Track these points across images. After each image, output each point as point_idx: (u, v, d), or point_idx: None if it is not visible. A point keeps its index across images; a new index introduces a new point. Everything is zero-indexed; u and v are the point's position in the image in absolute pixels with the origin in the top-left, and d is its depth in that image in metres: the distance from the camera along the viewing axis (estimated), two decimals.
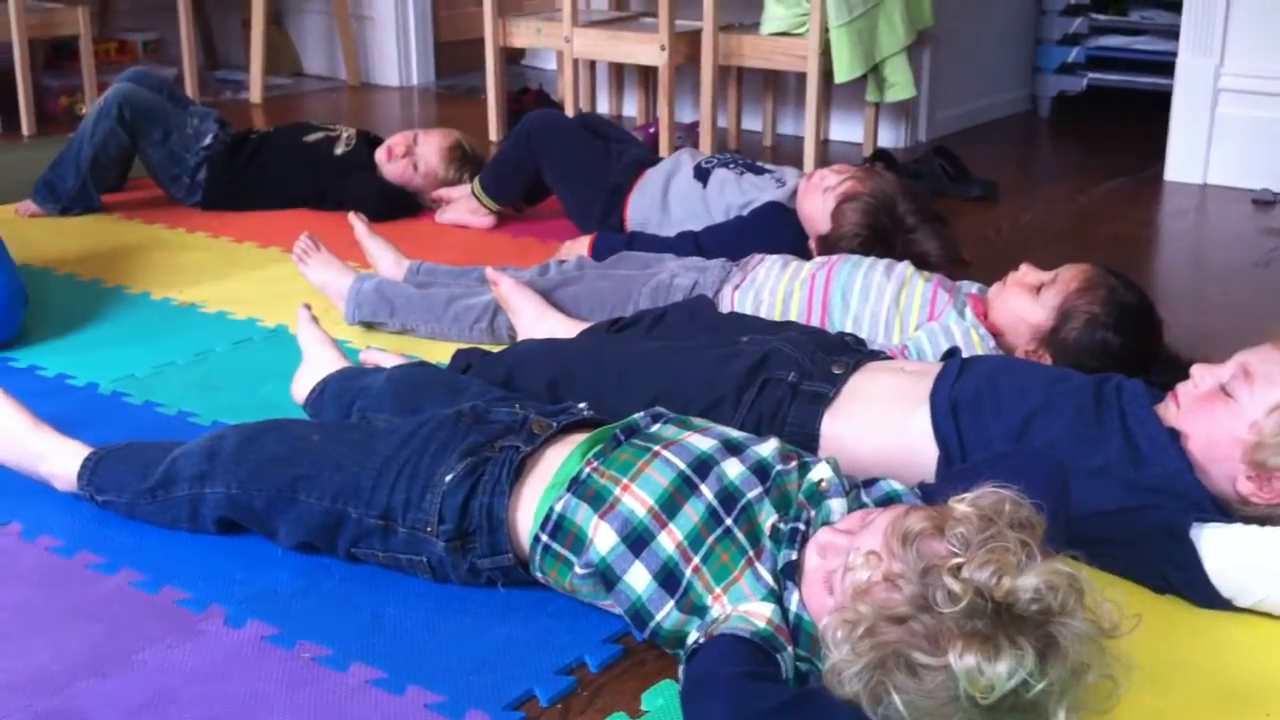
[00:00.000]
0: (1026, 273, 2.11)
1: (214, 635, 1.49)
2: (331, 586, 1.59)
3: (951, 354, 1.96)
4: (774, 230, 2.57)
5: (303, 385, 2.00)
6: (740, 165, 2.87)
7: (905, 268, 2.23)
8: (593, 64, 4.35)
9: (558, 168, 3.01)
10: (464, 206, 3.15)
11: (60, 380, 2.22)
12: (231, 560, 1.64)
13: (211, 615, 1.53)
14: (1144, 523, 1.56)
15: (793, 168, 2.92)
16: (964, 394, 1.72)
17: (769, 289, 2.26)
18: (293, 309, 2.15)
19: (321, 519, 1.59)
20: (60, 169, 3.19)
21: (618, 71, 4.49)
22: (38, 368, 2.27)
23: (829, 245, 2.46)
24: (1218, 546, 1.52)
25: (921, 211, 2.51)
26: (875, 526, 1.30)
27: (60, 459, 1.77)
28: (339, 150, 3.28)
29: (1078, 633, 1.18)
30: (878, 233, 2.44)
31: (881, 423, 1.76)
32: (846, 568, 1.28)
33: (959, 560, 1.19)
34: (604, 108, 4.48)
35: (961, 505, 1.25)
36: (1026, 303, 2.07)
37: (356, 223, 2.67)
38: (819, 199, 2.57)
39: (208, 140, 3.23)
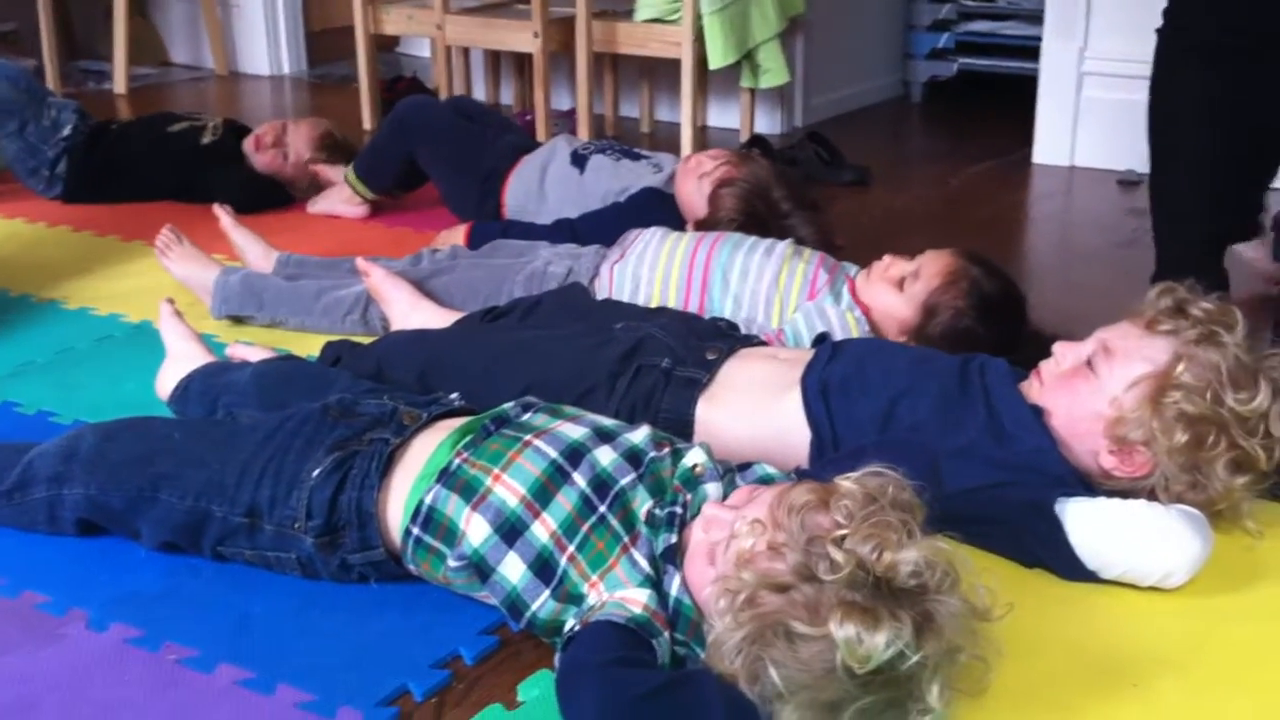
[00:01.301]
0: (890, 264, 2.13)
1: (76, 639, 1.45)
2: (197, 587, 1.55)
3: (823, 339, 1.98)
4: (651, 216, 2.57)
5: (167, 382, 1.95)
6: (617, 151, 2.86)
7: (786, 246, 2.25)
8: (467, 51, 4.31)
9: (432, 154, 2.98)
10: (337, 196, 3.10)
11: None
12: (93, 562, 1.59)
13: (73, 619, 1.48)
14: (1010, 499, 1.58)
15: (669, 154, 2.93)
16: (834, 377, 1.74)
17: (648, 264, 2.26)
18: (157, 304, 2.09)
19: (184, 518, 1.55)
20: None
21: (494, 59, 4.46)
22: None
23: (706, 230, 2.47)
24: (1082, 520, 1.55)
25: (795, 198, 2.54)
26: (762, 499, 1.31)
27: None
28: (205, 140, 3.21)
29: (953, 611, 1.21)
30: (753, 218, 2.46)
31: (755, 408, 1.77)
32: (731, 536, 1.28)
33: (843, 532, 1.20)
34: (480, 95, 4.44)
35: (847, 482, 1.26)
36: (891, 297, 2.09)
37: (222, 214, 2.61)
38: (695, 184, 2.58)
39: (66, 131, 3.13)
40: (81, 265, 2.72)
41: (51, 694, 1.36)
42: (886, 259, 2.15)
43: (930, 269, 2.08)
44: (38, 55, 4.46)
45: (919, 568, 1.20)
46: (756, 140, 3.72)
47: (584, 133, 3.75)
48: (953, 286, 2.05)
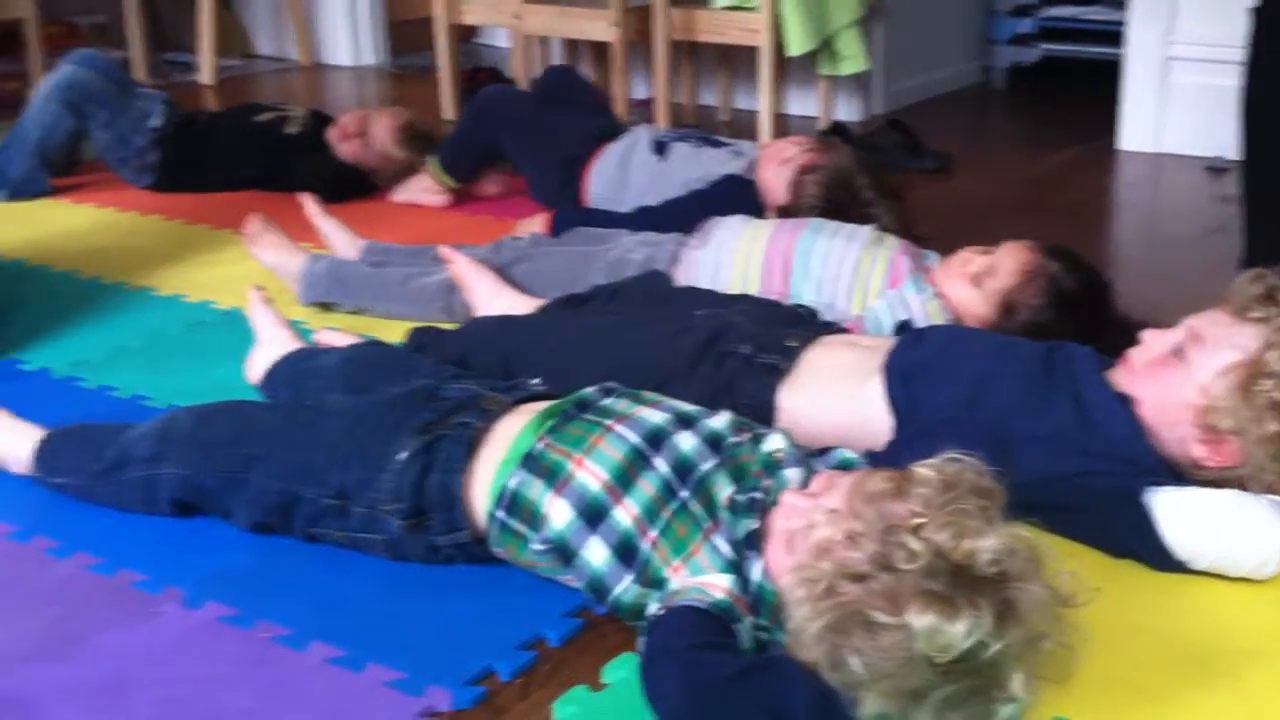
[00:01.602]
0: (967, 260, 2.09)
1: (171, 617, 1.49)
2: (289, 566, 1.58)
3: (905, 326, 1.97)
4: (731, 202, 2.57)
5: (256, 367, 1.99)
6: (698, 139, 2.87)
7: (868, 233, 2.24)
8: (545, 41, 4.33)
9: (513, 142, 3.01)
10: (419, 184, 3.13)
11: (11, 365, 2.19)
12: (188, 542, 1.63)
13: (169, 597, 1.52)
14: (1097, 488, 1.57)
15: (750, 141, 2.92)
16: (916, 364, 1.73)
17: (729, 250, 2.26)
18: (246, 291, 2.13)
19: (276, 499, 1.58)
20: (8, 154, 3.16)
21: (572, 48, 4.47)
22: None
23: (787, 217, 2.47)
24: (1171, 511, 1.53)
25: (878, 185, 2.52)
26: (839, 488, 1.31)
27: (13, 442, 1.76)
28: (290, 130, 3.25)
29: (1035, 599, 1.19)
30: (835, 205, 2.45)
31: (836, 395, 1.77)
32: (809, 525, 1.28)
33: (920, 520, 1.20)
34: None
35: (924, 469, 1.26)
36: (968, 293, 2.06)
37: (308, 203, 2.65)
38: (777, 170, 2.58)
39: (155, 122, 3.20)
40: (172, 253, 2.77)
41: (148, 670, 1.39)
42: (962, 254, 2.11)
43: (1007, 266, 2.04)
44: (125, 48, 4.55)
45: (998, 555, 1.19)
46: (836, 127, 3.70)
47: (662, 122, 3.75)
48: (1030, 285, 2.01)
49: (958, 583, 1.17)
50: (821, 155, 2.57)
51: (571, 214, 2.70)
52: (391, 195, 3.17)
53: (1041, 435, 1.59)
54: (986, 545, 1.18)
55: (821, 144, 2.65)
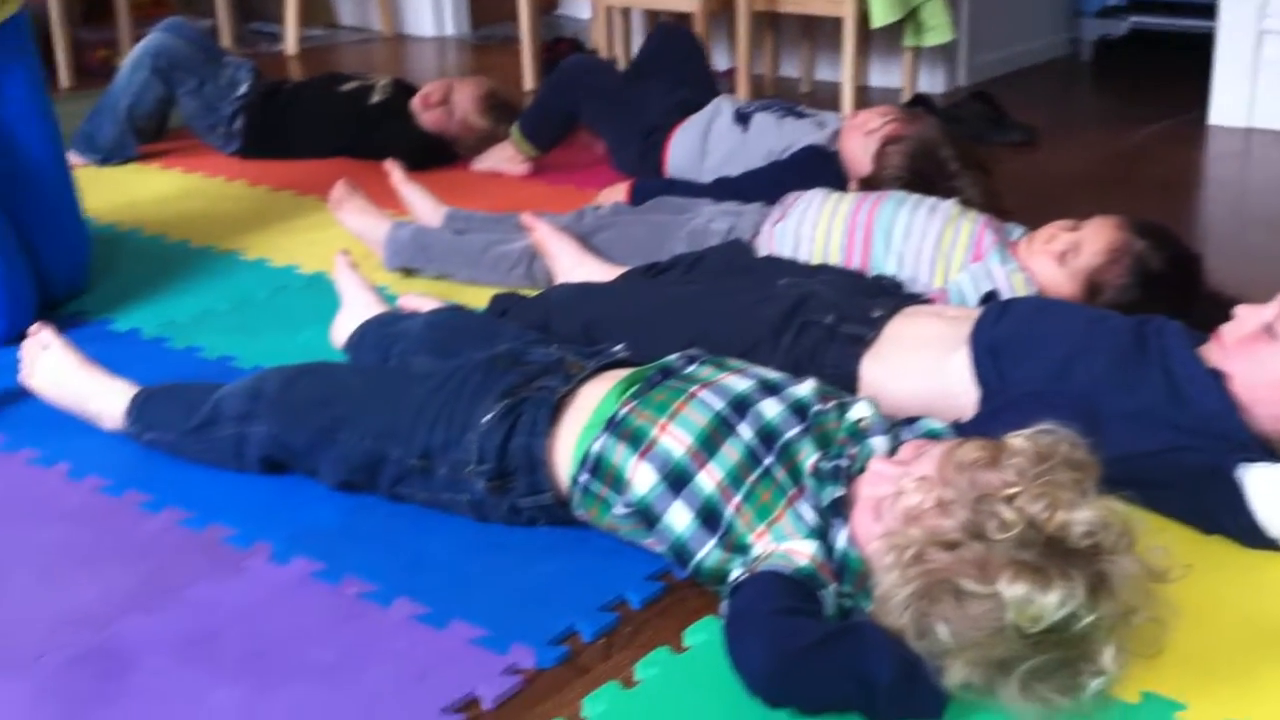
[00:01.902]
0: (1052, 236, 2.05)
1: (260, 571, 1.51)
2: (375, 524, 1.60)
3: (990, 298, 1.95)
4: (814, 174, 2.55)
5: (341, 330, 2.02)
6: (781, 109, 2.85)
7: (951, 206, 2.21)
8: (627, 12, 4.32)
9: (594, 111, 3.01)
10: (501, 153, 3.14)
11: (102, 326, 2.24)
12: (276, 498, 1.66)
13: (257, 552, 1.55)
14: (1188, 464, 1.54)
15: (833, 113, 2.90)
16: (1003, 335, 1.71)
17: (810, 223, 2.24)
18: (330, 256, 2.16)
19: (362, 459, 1.60)
20: (98, 120, 3.22)
21: (653, 19, 4.45)
22: (81, 313, 2.29)
23: (870, 187, 2.44)
24: (1264, 487, 1.50)
25: (964, 158, 2.49)
26: (929, 456, 1.30)
27: (108, 397, 1.80)
28: (375, 99, 3.28)
29: (1128, 572, 1.18)
30: (919, 177, 2.42)
31: (920, 366, 1.75)
32: (898, 492, 1.28)
33: (1014, 490, 1.19)
34: None
35: (1018, 440, 1.24)
36: (1052, 271, 2.02)
37: (393, 170, 2.67)
38: (861, 141, 2.56)
39: (242, 89, 3.24)
40: (258, 219, 2.81)
41: (238, 623, 1.42)
42: (1047, 229, 2.08)
43: (1093, 244, 2.00)
44: (213, 16, 4.61)
45: (1093, 528, 1.18)
46: (919, 99, 3.65)
47: (743, 93, 3.73)
48: (1116, 264, 1.97)
49: (1050, 554, 1.16)
50: (906, 126, 2.54)
51: (652, 184, 2.70)
52: (473, 164, 3.18)
53: (1132, 410, 1.56)
54: (1081, 517, 1.17)
55: (906, 115, 2.62)
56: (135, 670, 1.33)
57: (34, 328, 1.90)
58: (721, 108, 2.90)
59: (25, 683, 1.32)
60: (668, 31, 3.29)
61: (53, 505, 1.67)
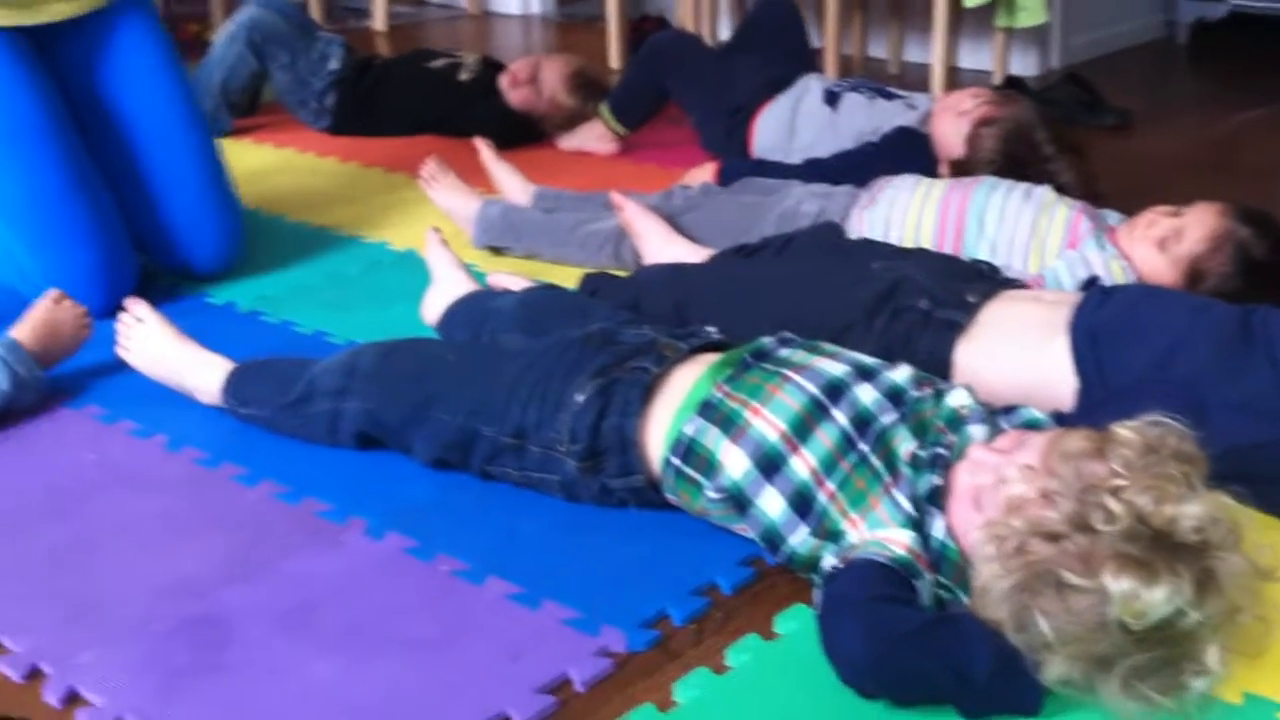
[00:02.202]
0: (1153, 222, 2.01)
1: (355, 546, 1.53)
2: (467, 502, 1.61)
3: (1091, 284, 1.91)
4: (904, 157, 2.52)
5: (433, 307, 2.03)
6: (871, 90, 2.82)
7: (1046, 192, 2.17)
8: None
9: (682, 88, 3.00)
10: (590, 132, 3.14)
11: (199, 299, 2.28)
12: (369, 474, 1.68)
13: (352, 526, 1.57)
14: None
15: (923, 94, 2.87)
16: (1104, 323, 1.68)
17: (899, 209, 2.22)
18: (421, 232, 2.17)
19: (455, 436, 1.61)
20: None
21: None
22: (176, 286, 2.32)
23: (962, 170, 2.41)
24: None
25: (1059, 141, 2.45)
26: (1032, 445, 1.29)
27: (205, 372, 1.82)
28: (463, 76, 3.29)
29: (1236, 570, 1.16)
30: (1013, 160, 2.39)
31: (1017, 352, 1.73)
32: (1000, 480, 1.26)
33: (1121, 482, 1.17)
34: (725, 34, 4.42)
35: (1125, 431, 1.22)
36: (1153, 256, 1.98)
37: (483, 148, 2.68)
38: (953, 122, 2.52)
39: (333, 65, 3.26)
40: (349, 194, 2.84)
41: (334, 596, 1.44)
42: (1149, 214, 2.04)
43: (1195, 231, 1.96)
44: None
45: (1201, 522, 1.16)
46: (1012, 81, 3.60)
47: (831, 73, 3.69)
48: (1218, 252, 1.93)
49: (1157, 548, 1.14)
50: (1000, 108, 2.50)
51: (741, 164, 2.68)
52: (560, 143, 3.19)
53: (1238, 401, 1.53)
54: (1189, 512, 1.15)
55: (1000, 96, 2.58)
56: (235, 640, 1.36)
57: (129, 301, 1.93)
58: (810, 86, 2.87)
59: (130, 650, 1.34)
60: (770, 2, 3.27)
61: (152, 476, 1.70)
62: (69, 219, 2.14)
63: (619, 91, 3.11)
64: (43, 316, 1.90)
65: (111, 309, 1.98)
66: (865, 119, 2.74)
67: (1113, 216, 2.17)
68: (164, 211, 2.29)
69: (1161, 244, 1.98)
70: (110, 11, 2.24)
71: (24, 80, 2.14)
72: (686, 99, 3.03)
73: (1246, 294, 1.86)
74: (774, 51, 3.04)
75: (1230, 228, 1.95)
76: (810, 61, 3.17)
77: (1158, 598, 1.11)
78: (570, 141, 3.18)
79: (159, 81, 2.29)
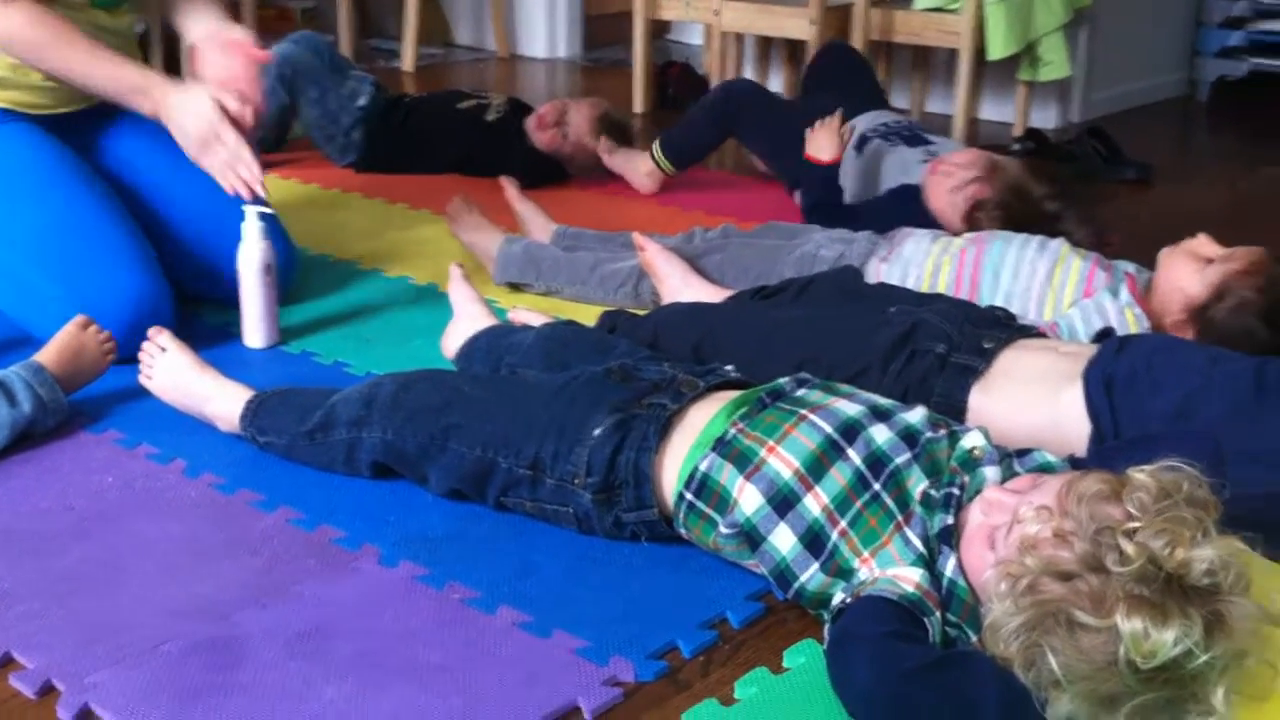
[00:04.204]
0: (1202, 243, 2.04)
1: (368, 573, 1.54)
2: (480, 532, 1.62)
3: (1105, 334, 1.93)
4: (905, 215, 2.52)
5: (453, 340, 2.05)
6: (898, 136, 2.84)
7: (1060, 244, 2.19)
8: (739, 37, 4.34)
9: (757, 137, 3.09)
10: (640, 165, 3.15)
11: (220, 330, 2.29)
12: (384, 503, 1.69)
13: (366, 554, 1.58)
14: None
15: (950, 140, 2.90)
16: (1120, 372, 1.69)
17: (916, 263, 2.24)
18: (443, 268, 2.20)
19: (472, 467, 1.63)
20: None
21: (764, 46, 4.48)
22: (197, 316, 2.34)
23: (976, 224, 2.43)
24: None
25: (1059, 194, 2.45)
26: (1047, 486, 1.30)
27: (224, 401, 1.84)
28: (490, 117, 3.33)
29: (1245, 614, 1.17)
30: (1019, 226, 2.38)
31: (1031, 399, 1.74)
32: (1015, 520, 1.27)
33: (1135, 524, 1.18)
34: None
35: (1140, 474, 1.23)
36: (1190, 271, 2.01)
37: (509, 186, 2.71)
38: (948, 199, 2.51)
39: (363, 101, 3.30)
40: (373, 230, 2.87)
41: (346, 621, 1.45)
42: (1201, 236, 2.06)
43: (1239, 261, 1.99)
44: (334, 32, 4.71)
45: (1213, 566, 1.16)
46: (1031, 134, 3.63)
47: None
48: (1252, 276, 1.95)
49: (1169, 590, 1.15)
50: (988, 183, 2.46)
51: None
52: (606, 159, 3.19)
53: (1254, 451, 1.53)
54: (1202, 555, 1.15)
55: (987, 165, 2.50)
56: (249, 662, 1.36)
57: (152, 330, 1.94)
58: (855, 127, 2.88)
59: (143, 670, 1.35)
60: (833, 46, 3.31)
61: (170, 500, 1.71)
62: (100, 246, 2.13)
63: (678, 134, 3.13)
64: (68, 342, 1.93)
65: (139, 336, 1.98)
66: (884, 168, 2.77)
67: (1129, 266, 2.18)
68: (202, 247, 2.31)
69: (1202, 262, 2.00)
70: None
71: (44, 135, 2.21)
72: (764, 148, 3.10)
73: (1261, 328, 1.88)
74: (850, 87, 3.07)
75: (1270, 262, 1.97)
76: (883, 97, 3.21)
77: (1168, 638, 1.12)
78: (615, 161, 3.18)
79: None
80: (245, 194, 2.11)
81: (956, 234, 2.47)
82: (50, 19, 2.10)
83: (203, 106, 2.09)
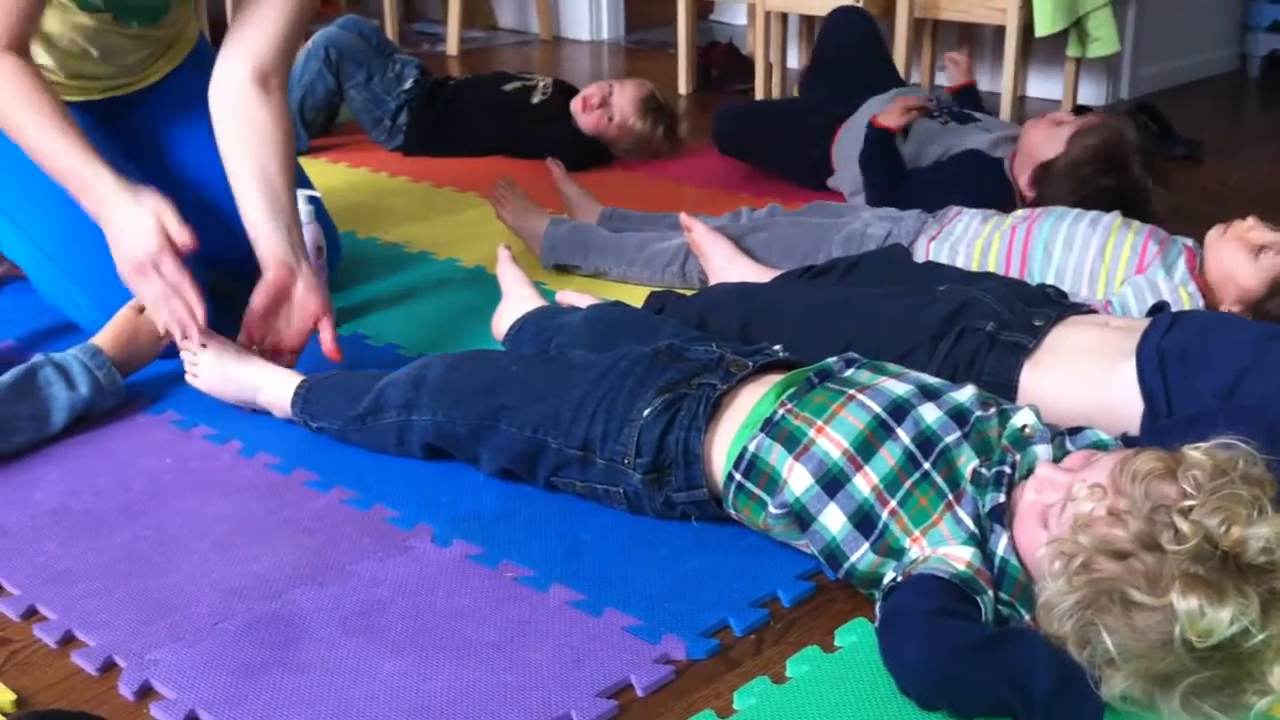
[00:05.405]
0: (1252, 227, 2.01)
1: (422, 552, 1.56)
2: (532, 512, 1.64)
3: (1158, 309, 1.91)
4: (971, 176, 2.52)
5: (502, 322, 2.06)
6: (949, 113, 2.83)
7: (1113, 218, 2.17)
8: (784, 16, 4.32)
9: (763, 160, 3.15)
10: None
11: None
12: (437, 483, 1.71)
13: (419, 533, 1.60)
14: None
15: (995, 117, 2.88)
16: (1172, 348, 1.68)
17: (966, 241, 2.23)
18: (491, 250, 2.21)
19: (522, 448, 1.64)
20: None
21: (809, 25, 4.45)
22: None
23: (1049, 174, 2.41)
24: None
25: (1149, 165, 2.43)
26: (1101, 465, 1.29)
27: (274, 388, 1.86)
28: (535, 99, 3.34)
29: None
30: (1102, 167, 2.36)
31: (1083, 376, 1.73)
32: (1069, 498, 1.27)
33: (1190, 502, 1.17)
34: (794, 62, 4.46)
35: (1195, 453, 1.23)
36: (1242, 261, 1.99)
37: (555, 168, 2.72)
38: (1048, 130, 2.52)
39: (408, 85, 3.32)
40: (420, 213, 2.89)
41: (400, 599, 1.46)
42: (1251, 219, 2.03)
43: None
44: (380, 17, 4.73)
45: (1269, 544, 1.16)
46: (1080, 111, 3.59)
47: None
48: None
49: (1225, 569, 1.14)
50: (1104, 122, 2.50)
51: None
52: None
53: None
54: (1258, 533, 1.15)
55: (1107, 116, 2.57)
56: (306, 639, 1.39)
57: (182, 341, 1.88)
58: (871, 107, 2.87)
59: (202, 647, 1.38)
60: (844, 12, 3.30)
61: (227, 480, 1.74)
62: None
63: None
64: (123, 325, 1.96)
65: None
66: (935, 144, 2.75)
67: (1186, 241, 2.15)
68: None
69: (1256, 250, 1.98)
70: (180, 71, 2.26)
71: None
72: (772, 165, 3.11)
73: None
74: (859, 57, 3.06)
75: None
76: (892, 65, 3.21)
77: (1224, 617, 1.12)
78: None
79: None
80: (177, 334, 1.88)
81: (1044, 163, 2.46)
82: (24, 80, 1.87)
83: (144, 229, 1.83)
